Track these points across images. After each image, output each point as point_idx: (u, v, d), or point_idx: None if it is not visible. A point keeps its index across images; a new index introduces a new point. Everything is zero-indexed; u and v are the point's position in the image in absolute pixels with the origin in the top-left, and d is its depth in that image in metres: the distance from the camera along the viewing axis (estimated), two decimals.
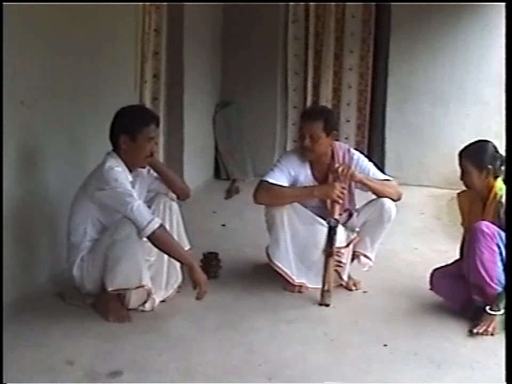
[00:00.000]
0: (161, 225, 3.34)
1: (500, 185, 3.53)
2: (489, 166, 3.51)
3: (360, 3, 7.05)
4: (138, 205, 3.31)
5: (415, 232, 5.39)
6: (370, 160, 4.10)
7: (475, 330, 3.40)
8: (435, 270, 3.82)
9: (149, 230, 3.28)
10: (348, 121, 7.36)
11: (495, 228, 3.39)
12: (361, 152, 4.16)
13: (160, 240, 3.34)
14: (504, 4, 6.36)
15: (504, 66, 5.48)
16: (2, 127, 3.33)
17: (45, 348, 3.11)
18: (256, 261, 4.38)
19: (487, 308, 3.41)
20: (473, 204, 3.66)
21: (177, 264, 3.68)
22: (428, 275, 3.83)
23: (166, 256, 3.58)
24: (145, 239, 3.32)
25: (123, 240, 3.29)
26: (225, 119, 7.31)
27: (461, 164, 3.59)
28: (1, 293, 3.34)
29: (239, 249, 4.75)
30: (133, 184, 3.48)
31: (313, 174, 3.96)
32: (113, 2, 4.54)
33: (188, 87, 6.33)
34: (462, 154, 3.60)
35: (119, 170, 3.39)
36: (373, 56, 7.16)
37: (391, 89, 7.16)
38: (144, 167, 3.62)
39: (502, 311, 3.37)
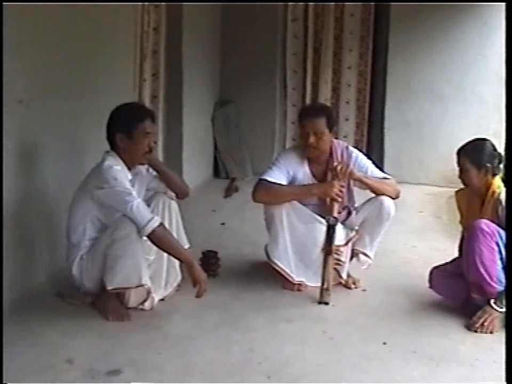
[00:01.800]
0: (161, 224, 3.34)
1: (497, 183, 3.53)
2: (488, 164, 3.51)
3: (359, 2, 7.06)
4: (137, 203, 3.31)
5: (414, 231, 5.39)
6: (369, 158, 4.10)
7: (472, 321, 3.41)
8: (434, 268, 3.81)
9: (148, 229, 3.27)
10: (347, 119, 7.36)
11: (495, 226, 3.39)
12: (360, 151, 4.16)
13: (159, 239, 3.33)
14: (503, 3, 6.44)
15: (505, 66, 5.48)
16: (2, 127, 3.32)
17: (44, 347, 3.11)
18: (255, 259, 4.39)
19: (492, 301, 3.40)
20: (471, 202, 3.66)
21: (177, 263, 3.68)
22: (427, 273, 3.82)
23: (165, 255, 3.58)
24: (144, 238, 3.32)
25: (123, 239, 3.28)
26: (224, 117, 7.31)
27: (459, 162, 3.59)
28: (1, 294, 3.34)
29: (238, 247, 4.75)
30: (132, 182, 3.47)
31: (311, 172, 3.96)
32: (112, 2, 4.54)
33: (187, 86, 6.34)
34: (460, 152, 3.60)
35: (118, 169, 3.38)
36: (372, 54, 7.18)
37: (390, 87, 7.17)
38: (143, 164, 3.61)
39: (503, 309, 3.37)
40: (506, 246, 3.34)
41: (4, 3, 3.18)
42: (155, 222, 3.29)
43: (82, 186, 3.47)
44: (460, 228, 3.82)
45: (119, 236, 3.29)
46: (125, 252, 3.29)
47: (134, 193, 3.36)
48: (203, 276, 3.39)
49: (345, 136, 7.21)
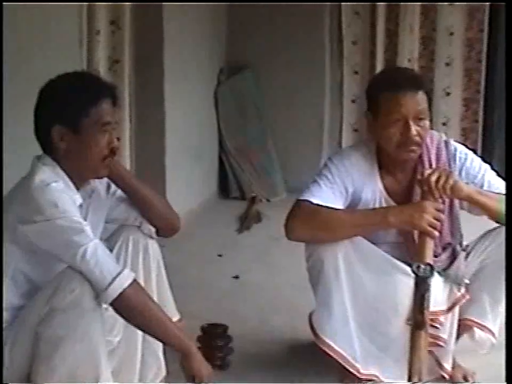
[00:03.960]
0: (134, 281, 3.33)
1: None
2: None
3: None
4: (94, 247, 3.29)
5: None
6: (485, 161, 4.12)
7: None
8: None
9: (114, 291, 3.26)
10: (448, 94, 7.40)
11: None
12: (471, 149, 4.18)
13: (133, 308, 3.32)
14: None
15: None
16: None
17: None
18: (291, 337, 4.44)
19: None
20: None
21: (159, 347, 3.72)
22: None
23: (138, 333, 3.63)
24: (106, 305, 3.33)
25: (68, 308, 3.26)
26: (236, 94, 7.36)
27: None
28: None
29: (262, 317, 4.80)
30: (83, 211, 3.49)
31: (385, 188, 4.01)
32: None
33: (169, 42, 6.42)
34: None
35: (58, 188, 3.36)
36: None
37: None
38: (101, 177, 3.63)
39: None
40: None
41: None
42: (126, 279, 3.28)
43: None
44: None
45: (62, 304, 3.26)
46: (73, 330, 3.26)
47: (88, 229, 3.36)
48: (205, 369, 3.40)
49: (444, 124, 7.25)
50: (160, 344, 3.66)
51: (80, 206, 3.46)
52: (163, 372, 3.82)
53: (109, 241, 3.66)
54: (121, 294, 3.26)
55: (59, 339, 3.28)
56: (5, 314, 3.45)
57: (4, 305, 3.46)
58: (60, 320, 3.27)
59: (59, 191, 3.36)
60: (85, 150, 3.46)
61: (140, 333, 3.60)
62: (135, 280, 3.34)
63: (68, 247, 3.28)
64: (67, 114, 3.42)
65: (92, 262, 3.26)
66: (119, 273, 3.28)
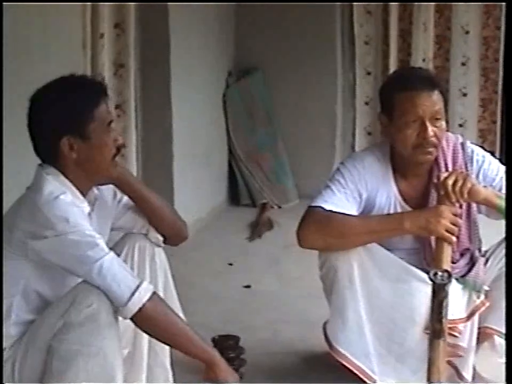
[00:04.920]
0: (154, 294, 3.28)
1: None
2: None
3: None
4: (110, 261, 3.25)
5: None
6: (504, 163, 4.09)
7: None
8: None
9: (134, 306, 3.21)
10: (464, 94, 7.39)
11: None
12: (489, 151, 4.16)
13: (154, 321, 3.28)
14: None
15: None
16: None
17: None
18: (305, 348, 4.45)
19: None
20: None
21: (166, 358, 3.72)
22: None
23: (144, 344, 3.63)
24: (125, 319, 3.29)
25: (84, 323, 3.20)
26: (245, 97, 7.35)
27: None
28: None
29: (275, 328, 4.80)
30: (90, 219, 3.42)
31: (400, 193, 4.00)
32: None
33: (176, 45, 6.43)
34: None
35: (67, 201, 3.30)
36: None
37: None
38: (112, 178, 3.54)
39: None
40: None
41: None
42: (145, 292, 3.24)
43: (5, 233, 3.36)
44: None
45: (78, 318, 3.20)
46: (87, 345, 3.21)
47: (102, 242, 3.30)
48: (232, 378, 3.35)
49: (460, 125, 7.24)
50: (168, 355, 3.65)
51: (89, 214, 3.41)
52: (170, 381, 3.80)
53: (114, 250, 3.52)
54: (141, 308, 3.21)
55: (73, 354, 3.22)
56: (15, 329, 3.38)
57: (14, 320, 3.43)
58: (74, 335, 3.22)
59: (68, 203, 3.30)
60: (96, 154, 3.38)
61: (145, 343, 3.59)
62: (154, 293, 3.29)
63: (82, 263, 3.23)
64: (74, 123, 3.34)
65: (109, 277, 3.21)
66: (137, 287, 3.23)
